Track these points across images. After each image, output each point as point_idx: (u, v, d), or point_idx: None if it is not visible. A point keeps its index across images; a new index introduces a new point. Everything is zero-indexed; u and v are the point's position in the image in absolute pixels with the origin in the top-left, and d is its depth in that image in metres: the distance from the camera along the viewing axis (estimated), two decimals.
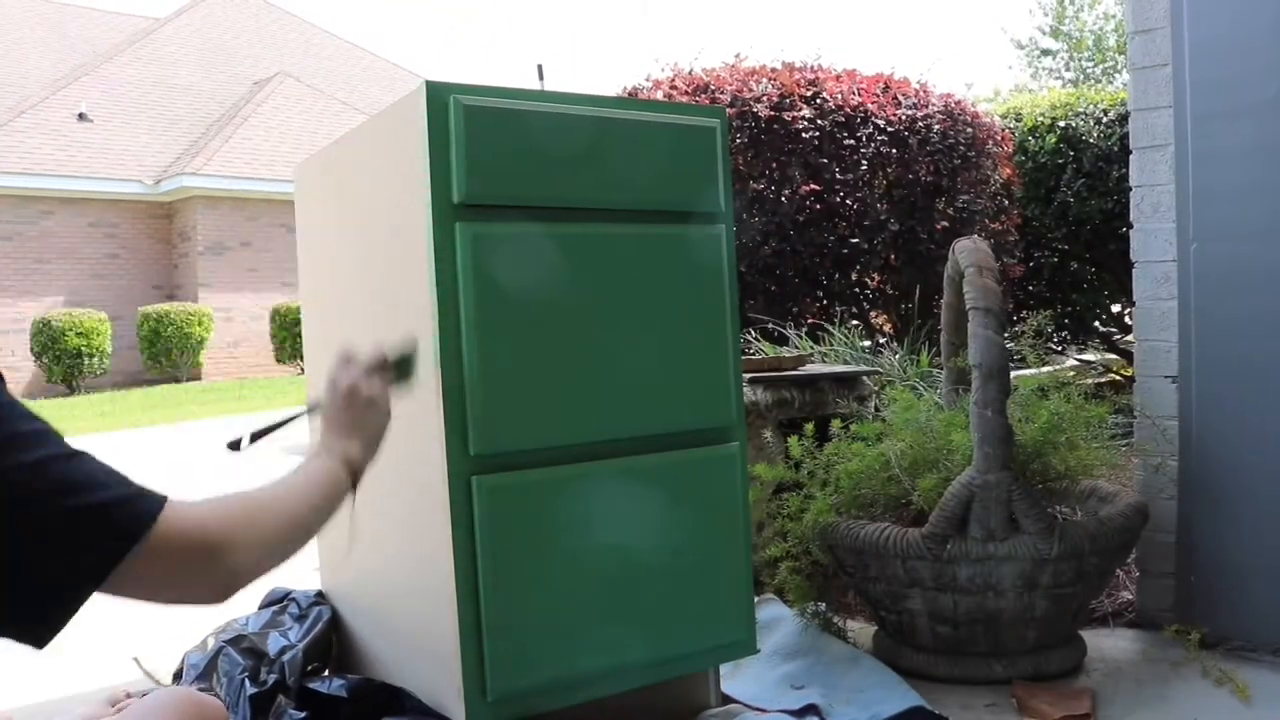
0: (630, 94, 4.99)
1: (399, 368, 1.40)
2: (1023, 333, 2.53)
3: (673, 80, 4.92)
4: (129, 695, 1.79)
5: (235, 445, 1.33)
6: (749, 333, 4.12)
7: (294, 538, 1.05)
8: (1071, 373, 5.48)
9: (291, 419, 1.38)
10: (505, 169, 1.58)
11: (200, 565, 0.92)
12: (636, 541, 1.69)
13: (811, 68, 5.05)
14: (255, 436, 1.33)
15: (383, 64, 20.35)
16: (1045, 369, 2.94)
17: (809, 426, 2.37)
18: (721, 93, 4.67)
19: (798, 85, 4.72)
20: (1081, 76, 21.33)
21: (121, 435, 7.80)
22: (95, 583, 0.86)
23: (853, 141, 4.67)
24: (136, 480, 0.91)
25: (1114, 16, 20.79)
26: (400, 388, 1.40)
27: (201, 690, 1.86)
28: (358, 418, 1.27)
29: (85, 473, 0.86)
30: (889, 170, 4.81)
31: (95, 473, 0.87)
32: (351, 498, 1.19)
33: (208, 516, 0.94)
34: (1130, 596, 2.46)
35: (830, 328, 4.29)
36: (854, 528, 2.10)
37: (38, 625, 0.85)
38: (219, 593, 0.97)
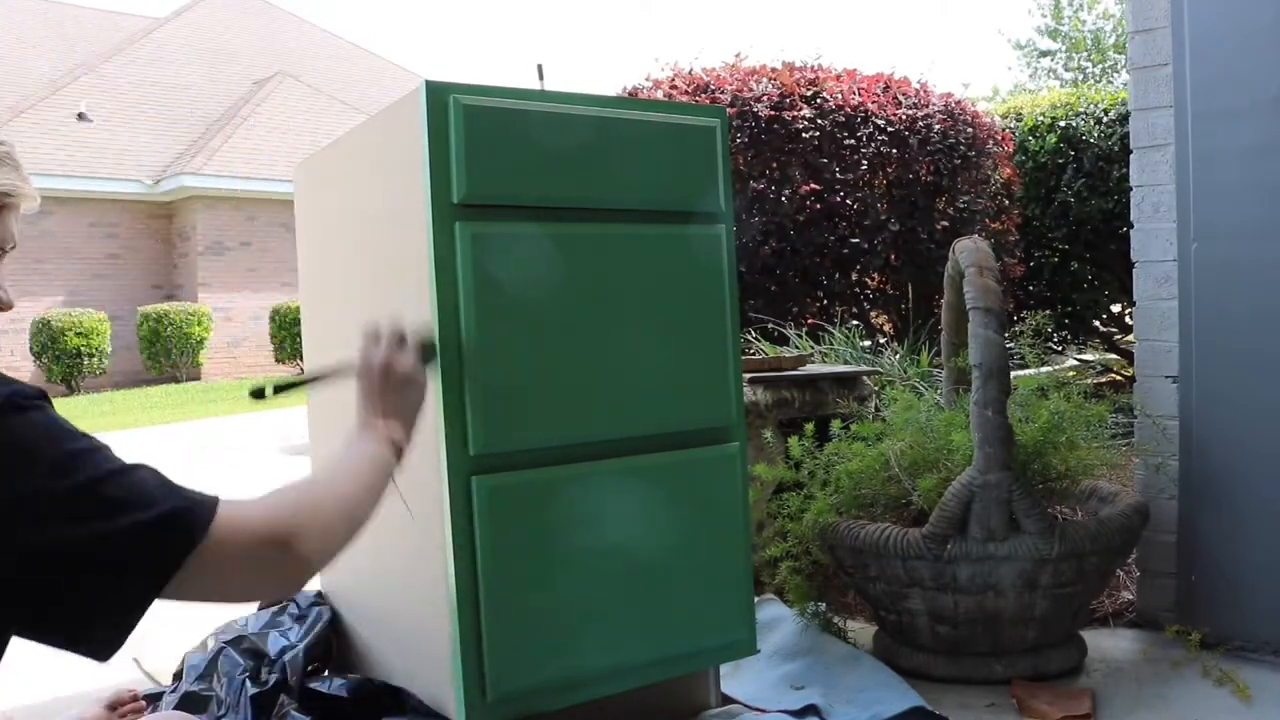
0: (630, 94, 4.98)
1: (424, 352, 1.41)
2: (1023, 333, 2.53)
3: (673, 80, 4.92)
4: (135, 695, 1.79)
5: (259, 394, 1.33)
6: (749, 333, 4.11)
7: (355, 521, 1.06)
8: (1071, 373, 5.48)
9: (316, 379, 1.39)
10: (505, 169, 1.58)
11: (269, 560, 0.92)
12: (636, 541, 1.69)
13: (811, 68, 5.04)
14: (279, 389, 1.33)
15: (383, 64, 20.34)
16: (1045, 369, 2.94)
17: (809, 426, 2.37)
18: (721, 92, 4.67)
19: (798, 85, 4.72)
20: (1080, 76, 21.32)
21: (121, 435, 7.79)
22: (151, 596, 0.86)
23: (853, 141, 4.66)
24: (187, 486, 0.90)
25: (1113, 16, 20.78)
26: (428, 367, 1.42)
27: (202, 691, 1.86)
28: (396, 396, 1.28)
29: (133, 488, 0.86)
30: (889, 170, 4.81)
31: (144, 486, 0.86)
32: (397, 474, 1.20)
33: (271, 511, 0.94)
34: (1130, 596, 2.46)
35: (830, 328, 4.28)
36: (854, 528, 2.10)
37: (100, 641, 0.85)
38: (290, 584, 0.98)
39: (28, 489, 0.80)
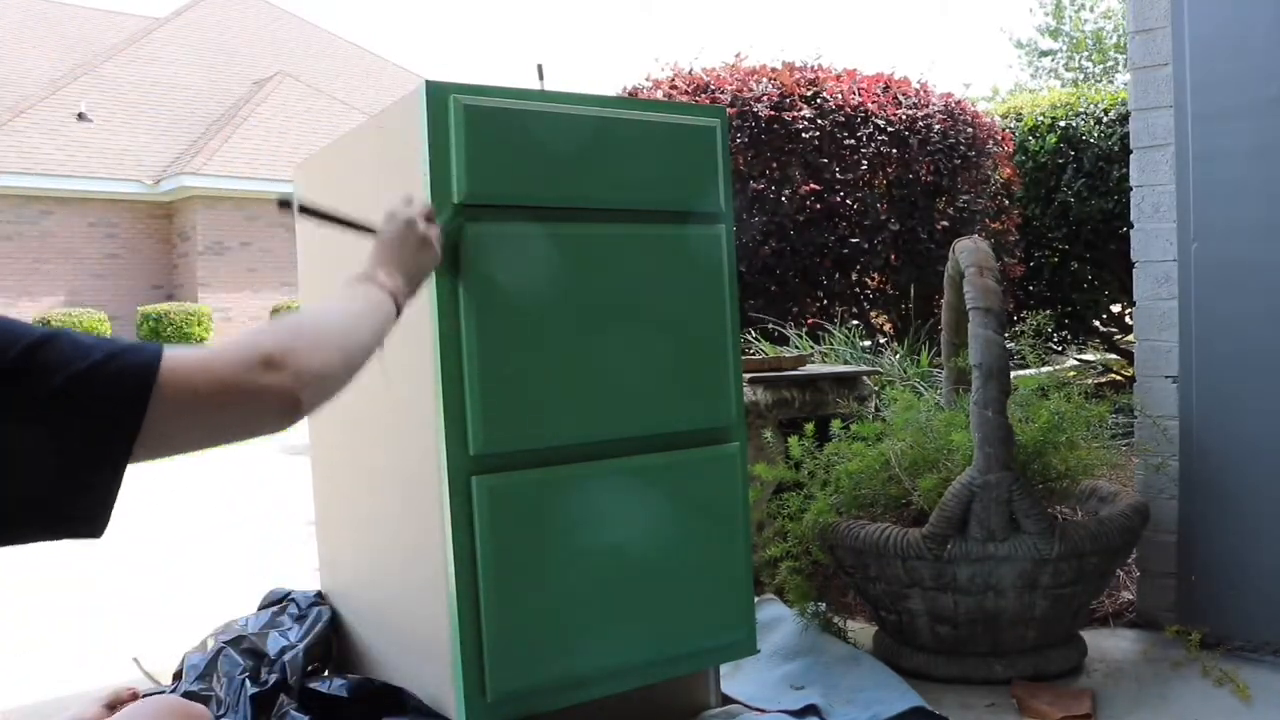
0: (630, 94, 4.98)
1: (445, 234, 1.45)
2: (1023, 333, 2.53)
3: (673, 80, 4.92)
4: (135, 694, 1.78)
5: (285, 203, 1.35)
6: (749, 333, 4.12)
7: (349, 349, 1.05)
8: (1071, 373, 5.48)
9: (346, 223, 1.41)
10: (505, 169, 1.58)
11: (257, 381, 0.89)
12: (636, 541, 1.69)
13: (811, 68, 5.04)
14: (305, 210, 1.35)
15: (383, 64, 20.35)
16: (1045, 369, 2.94)
17: (809, 426, 2.37)
18: (721, 92, 4.67)
19: (798, 85, 4.72)
20: (1081, 76, 21.32)
21: None
22: (127, 441, 0.82)
23: (853, 141, 4.67)
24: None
25: (1113, 16, 20.78)
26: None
27: (202, 691, 1.86)
28: (412, 254, 1.33)
29: (68, 347, 0.81)
30: (889, 170, 4.81)
31: (77, 344, 0.82)
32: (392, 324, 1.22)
33: (255, 333, 0.93)
34: (1130, 596, 2.46)
35: (830, 328, 4.28)
36: (854, 528, 2.10)
37: (87, 514, 0.82)
38: (288, 405, 0.92)
39: None
